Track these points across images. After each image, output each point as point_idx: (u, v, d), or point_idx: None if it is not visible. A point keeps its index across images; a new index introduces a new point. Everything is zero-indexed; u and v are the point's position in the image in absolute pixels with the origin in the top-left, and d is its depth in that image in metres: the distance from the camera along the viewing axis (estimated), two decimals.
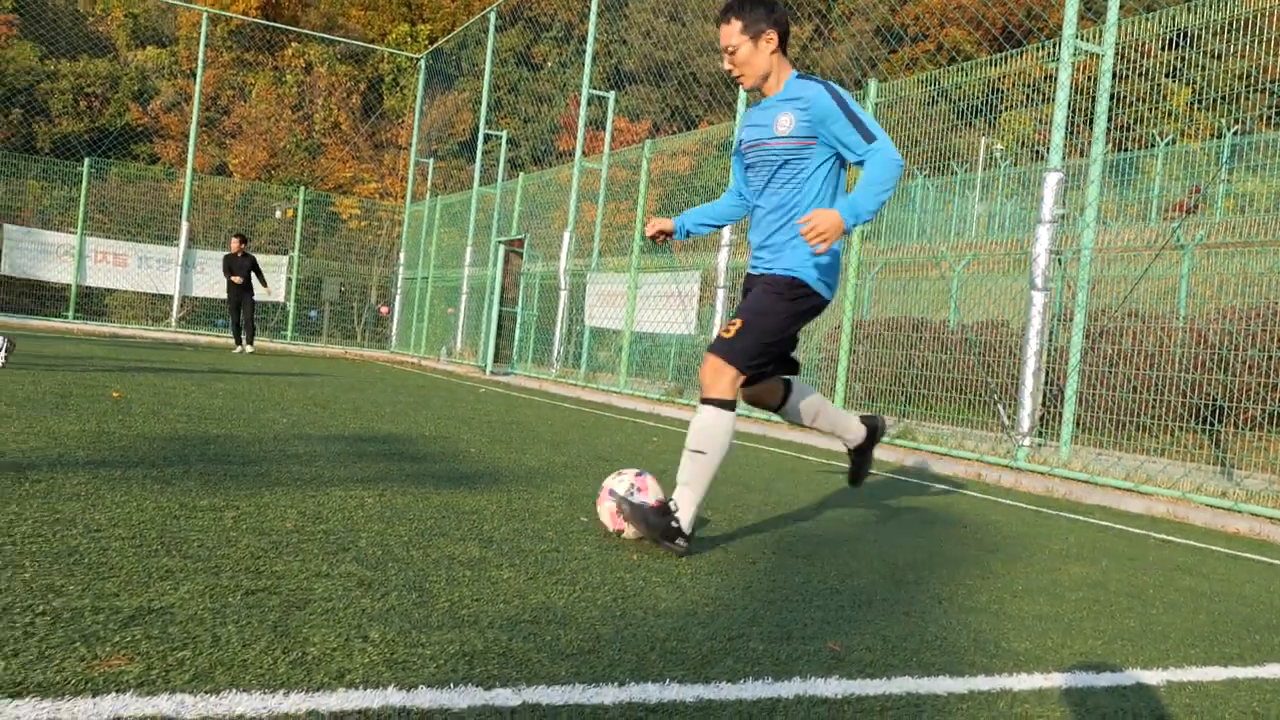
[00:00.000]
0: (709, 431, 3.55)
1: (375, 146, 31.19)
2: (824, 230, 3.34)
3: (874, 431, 4.30)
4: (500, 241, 18.67)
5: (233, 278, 17.22)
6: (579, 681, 2.14)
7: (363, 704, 1.89)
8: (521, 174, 19.66)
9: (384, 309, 25.42)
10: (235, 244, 17.34)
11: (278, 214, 26.26)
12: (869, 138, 3.51)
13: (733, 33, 3.66)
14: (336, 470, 4.69)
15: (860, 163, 3.54)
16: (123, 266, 21.79)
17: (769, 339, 3.64)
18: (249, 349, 17.19)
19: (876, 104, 10.30)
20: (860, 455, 4.35)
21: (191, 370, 10.86)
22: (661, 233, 4.08)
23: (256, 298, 17.74)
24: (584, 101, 17.14)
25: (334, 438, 5.98)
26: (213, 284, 22.40)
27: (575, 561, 3.30)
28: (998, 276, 11.34)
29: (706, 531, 4.14)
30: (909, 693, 2.34)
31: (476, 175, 21.46)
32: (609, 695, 2.08)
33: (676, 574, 3.29)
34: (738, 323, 3.64)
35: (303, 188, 24.69)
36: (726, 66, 3.73)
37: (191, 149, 22.88)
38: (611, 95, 17.43)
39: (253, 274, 17.32)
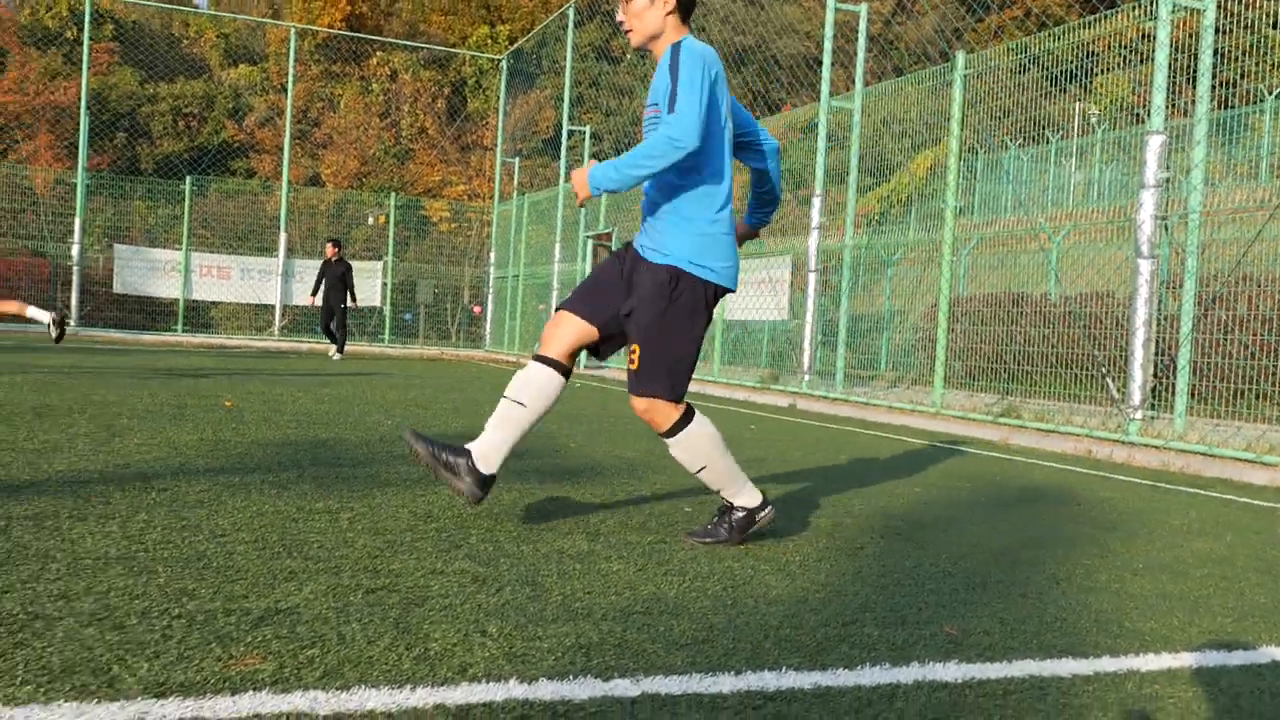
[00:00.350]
0: (689, 456, 3.51)
1: (461, 149, 31.67)
2: (577, 180, 3.30)
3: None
4: (588, 236, 18.79)
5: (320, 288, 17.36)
6: (695, 671, 2.15)
7: (486, 697, 1.93)
8: None
9: (477, 309, 25.81)
10: (330, 249, 17.57)
11: (370, 220, 26.84)
12: (671, 108, 3.20)
13: None
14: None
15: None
16: (226, 279, 22.55)
17: (671, 358, 3.41)
18: (336, 356, 17.45)
19: (965, 75, 10.07)
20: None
21: (296, 376, 11.19)
22: (745, 239, 3.98)
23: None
24: None
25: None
26: (308, 292, 23.06)
27: (682, 552, 3.31)
28: (1100, 246, 10.99)
29: (811, 518, 4.12)
30: (1031, 675, 2.29)
31: (562, 171, 21.63)
32: (726, 684, 2.09)
33: (785, 561, 3.27)
34: (635, 353, 3.40)
35: (393, 193, 25.20)
36: (619, 17, 3.50)
37: (286, 162, 23.54)
38: None
39: (345, 281, 17.48)
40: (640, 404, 3.44)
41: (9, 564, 2.59)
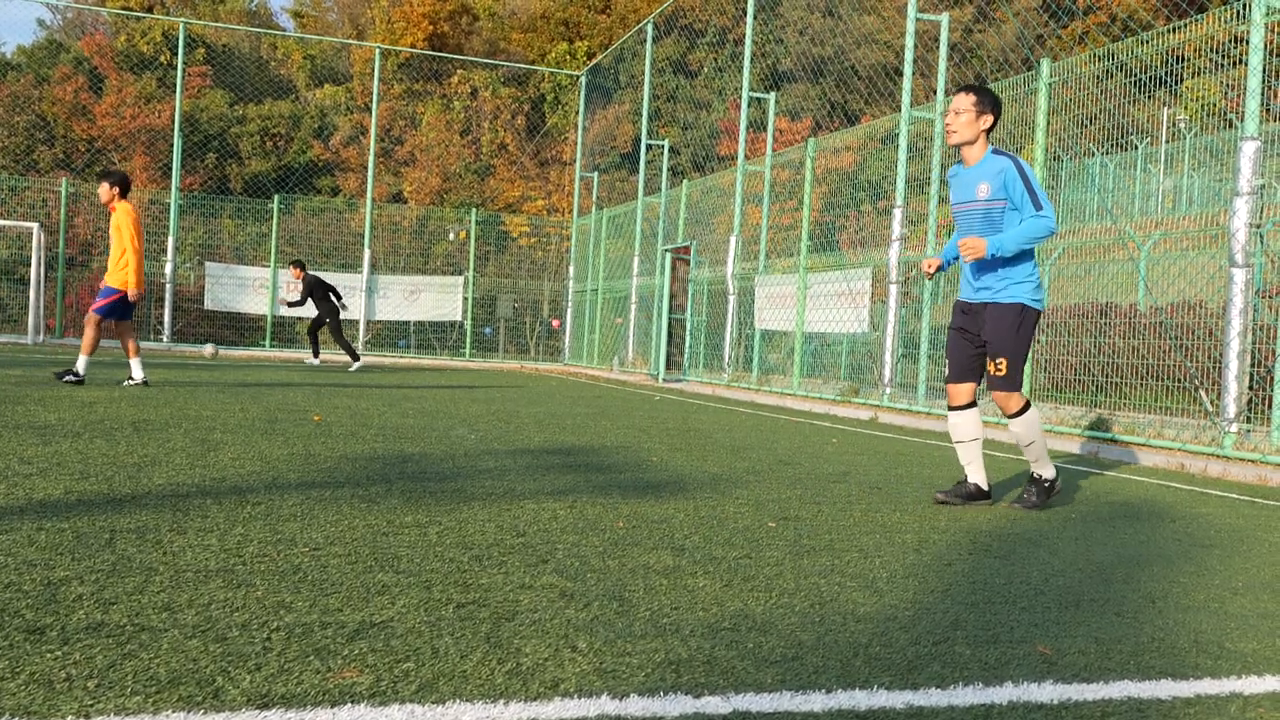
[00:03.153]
0: (1027, 429, 4.97)
1: (540, 164, 32.02)
2: (974, 248, 4.74)
3: (977, 494, 5.10)
4: (666, 250, 18.84)
5: (292, 301, 17.38)
6: (786, 689, 2.14)
7: (578, 713, 1.94)
8: (685, 181, 19.78)
9: (556, 322, 26.04)
10: (295, 272, 17.62)
11: (451, 236, 27.27)
12: (1038, 206, 4.70)
13: (968, 102, 4.81)
14: (527, 483, 4.84)
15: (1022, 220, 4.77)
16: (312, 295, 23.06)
17: (1021, 359, 4.91)
18: (354, 365, 17.45)
19: (1050, 84, 9.87)
20: (965, 496, 5.10)
21: (380, 389, 11.40)
22: (935, 269, 5.16)
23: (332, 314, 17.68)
24: (744, 104, 17.11)
25: (521, 451, 6.16)
26: (394, 308, 23.49)
27: (768, 568, 3.30)
28: (1190, 254, 10.67)
29: (897, 534, 4.07)
30: (1130, 697, 2.23)
31: (640, 186, 21.73)
32: (817, 702, 2.07)
33: (872, 578, 3.24)
34: (1003, 364, 4.87)
35: (474, 209, 25.58)
36: (946, 121, 4.90)
37: (370, 180, 24.06)
38: (771, 96, 17.34)
39: (323, 293, 17.21)
40: (1003, 397, 4.94)
41: (115, 576, 2.69)
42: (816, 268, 14.20)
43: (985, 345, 4.94)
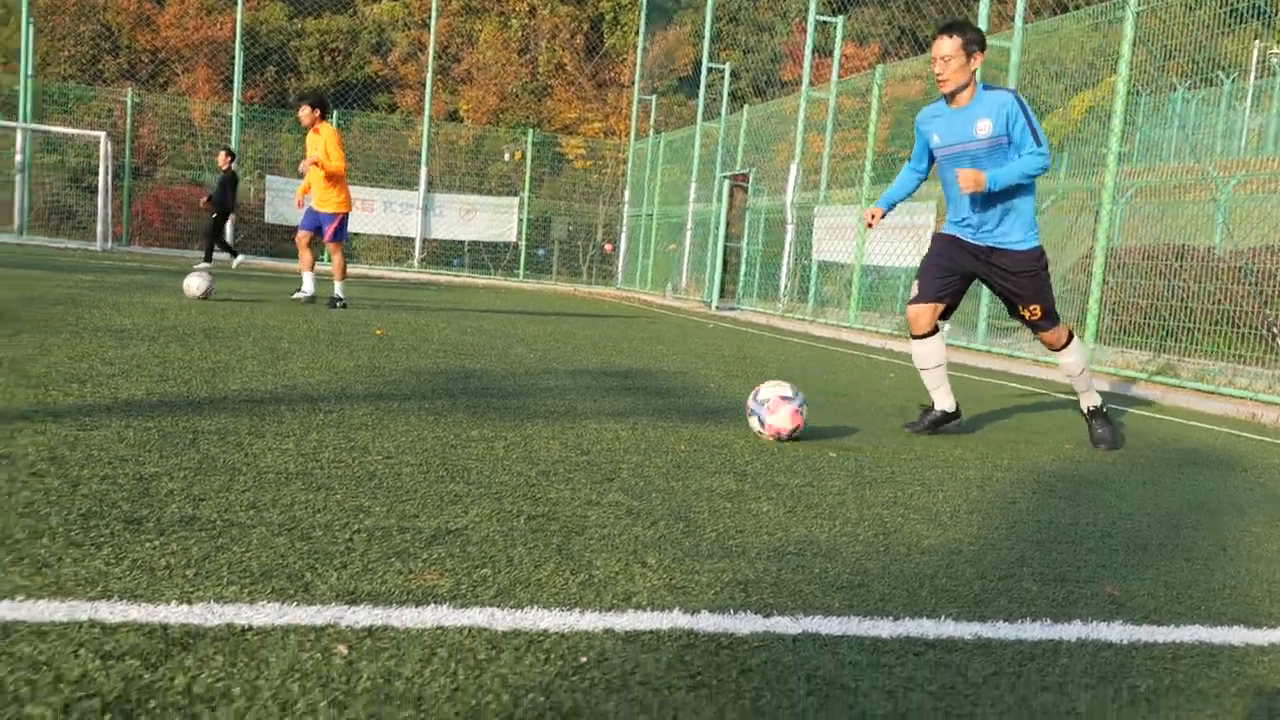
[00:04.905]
0: (1075, 360, 5.05)
1: (598, 86, 31.65)
2: (972, 181, 4.55)
3: (945, 418, 5.07)
4: (724, 176, 18.64)
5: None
6: (853, 614, 2.17)
7: (652, 625, 1.99)
8: (745, 107, 19.46)
9: (609, 246, 25.98)
10: (224, 158, 16.87)
11: (506, 156, 27.16)
12: (1038, 142, 4.61)
13: (954, 46, 4.60)
14: (588, 404, 4.88)
15: (1019, 154, 4.66)
16: (370, 211, 23.22)
17: (1052, 297, 4.93)
18: (234, 262, 17.19)
19: (1138, 12, 9.50)
20: (934, 422, 5.07)
21: (438, 309, 11.51)
22: (879, 219, 5.04)
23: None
24: (810, 28, 16.72)
25: (580, 372, 6.21)
26: (449, 227, 23.57)
27: (831, 496, 3.32)
28: (1275, 197, 10.32)
29: (960, 470, 4.06)
30: (1201, 641, 2.23)
31: (700, 110, 21.43)
32: (885, 628, 2.10)
33: (935, 511, 3.25)
34: (1037, 309, 4.84)
35: (530, 130, 25.43)
36: (936, 70, 4.66)
37: (428, 97, 23.98)
38: (839, 20, 16.91)
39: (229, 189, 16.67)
40: (1046, 333, 4.96)
41: (201, 474, 2.78)
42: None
43: (1008, 296, 4.92)
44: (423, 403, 4.40)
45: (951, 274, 4.90)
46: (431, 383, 5.09)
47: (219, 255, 17.58)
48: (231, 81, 23.80)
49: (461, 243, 24.96)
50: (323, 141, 9.50)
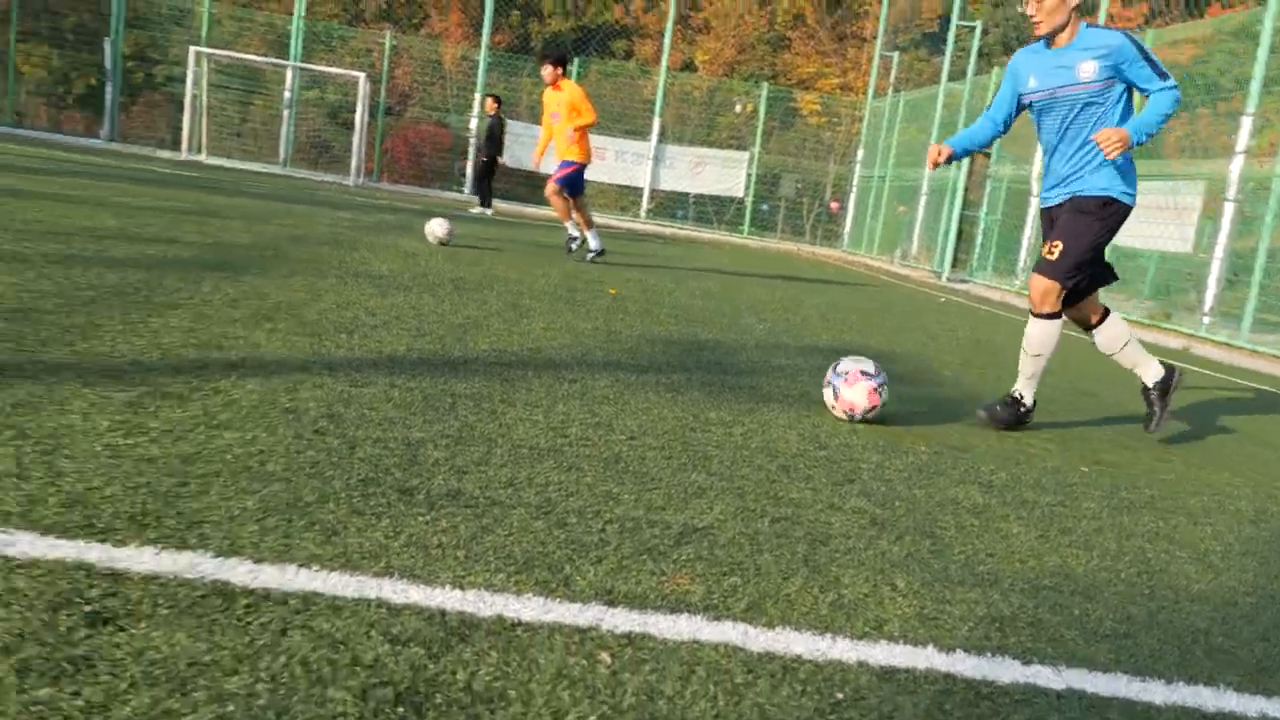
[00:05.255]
0: (1042, 339, 4.45)
1: (838, 39, 30.86)
2: (1118, 140, 4.06)
3: (1170, 375, 4.66)
4: None
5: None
6: (1121, 670, 2.05)
7: (907, 662, 1.94)
8: (995, 68, 18.49)
9: (835, 205, 25.46)
10: (491, 104, 17.16)
11: (737, 109, 26.99)
12: (1163, 76, 4.15)
13: None
14: (818, 388, 4.81)
15: (1147, 94, 4.21)
16: (601, 160, 23.60)
17: (1086, 256, 4.35)
18: (488, 212, 17.44)
19: None
20: (1157, 397, 4.66)
21: (666, 266, 11.63)
22: (945, 158, 4.59)
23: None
24: None
25: (810, 349, 6.13)
26: (677, 179, 23.69)
27: (1085, 521, 3.14)
28: None
29: (1228, 499, 3.76)
30: None
31: (945, 69, 20.54)
32: (1158, 693, 1.97)
33: (1204, 550, 3.02)
34: (1058, 245, 4.33)
35: (766, 83, 25.12)
36: (1030, 11, 4.25)
37: (666, 47, 24.06)
38: None
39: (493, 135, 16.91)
40: (1039, 282, 4.41)
41: (462, 444, 2.92)
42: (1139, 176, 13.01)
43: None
44: (660, 376, 4.45)
45: None
46: (666, 353, 5.15)
47: (471, 197, 18.24)
48: (481, 26, 24.66)
49: (686, 195, 25.09)
50: (567, 98, 9.69)
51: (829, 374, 4.17)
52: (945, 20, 22.81)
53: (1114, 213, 4.33)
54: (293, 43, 23.92)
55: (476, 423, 3.17)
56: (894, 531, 2.73)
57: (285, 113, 23.98)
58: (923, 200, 20.06)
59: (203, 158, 22.35)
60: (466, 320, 5.15)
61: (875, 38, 25.67)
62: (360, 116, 22.16)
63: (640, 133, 24.27)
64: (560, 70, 9.76)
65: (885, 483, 3.23)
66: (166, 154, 22.31)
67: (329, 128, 25.34)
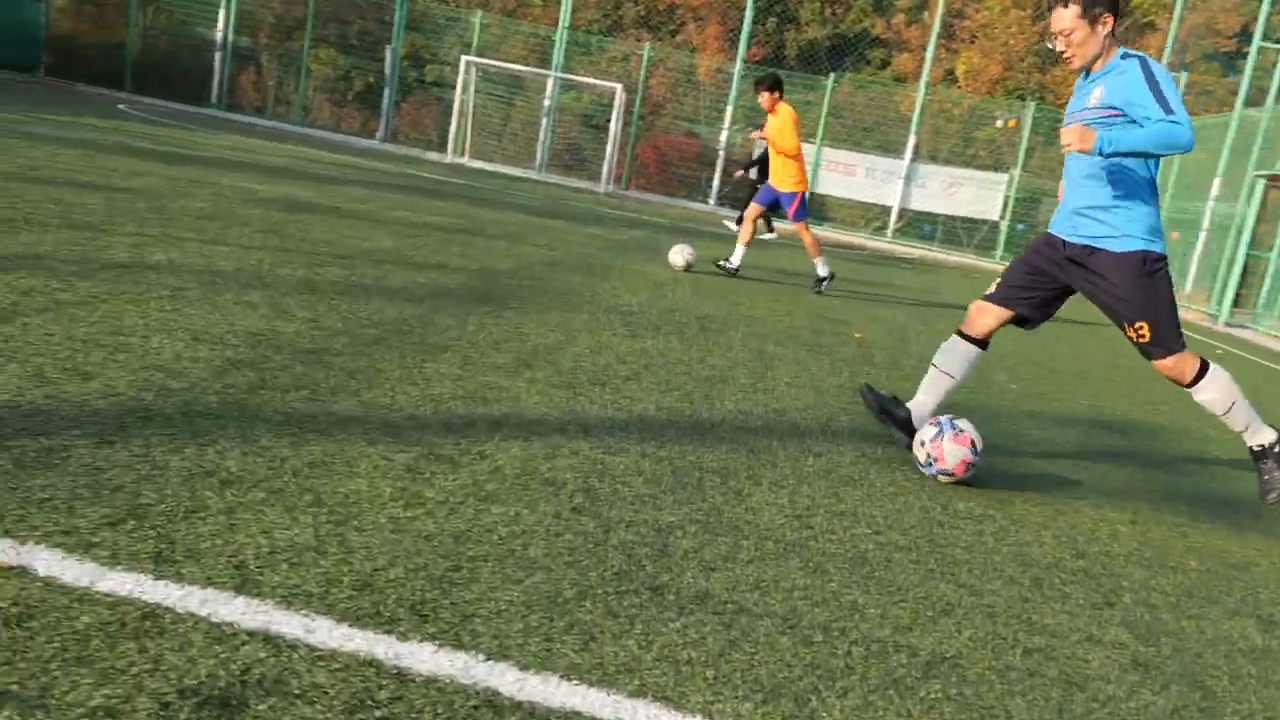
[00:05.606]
0: (1219, 396, 4.09)
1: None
2: (1079, 136, 3.72)
3: (904, 424, 4.30)
4: (1260, 175, 16.34)
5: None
6: None
7: None
8: None
9: None
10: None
11: (998, 123, 25.85)
12: (1169, 110, 3.68)
13: (1069, 16, 3.87)
14: (1079, 472, 4.57)
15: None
16: (851, 176, 23.31)
17: (1173, 316, 4.04)
18: (770, 235, 17.04)
19: None
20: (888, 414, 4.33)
21: (913, 302, 11.32)
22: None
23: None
24: None
25: (1065, 420, 5.83)
26: (930, 199, 23.01)
27: None
28: None
29: None
30: None
31: (1242, 92, 18.90)
32: None
33: None
34: (1144, 329, 4.00)
35: (1033, 102, 23.97)
36: (1060, 47, 3.95)
37: (928, 63, 23.38)
38: None
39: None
40: (1164, 363, 4.08)
41: (712, 533, 2.96)
42: None
43: (1110, 310, 4.09)
44: (901, 451, 4.35)
45: (1036, 280, 4.21)
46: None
47: (728, 212, 18.24)
48: (737, 37, 24.83)
49: (937, 214, 24.33)
50: (779, 123, 9.60)
51: (943, 417, 4.01)
52: (1245, 37, 20.97)
53: (1153, 264, 3.98)
54: (555, 52, 24.94)
55: (724, 505, 3.21)
56: (1159, 678, 2.56)
57: (544, 120, 25.06)
58: (1202, 235, 18.56)
59: (466, 160, 23.70)
60: (713, 373, 5.22)
61: (1161, 54, 23.94)
62: (614, 126, 22.84)
63: (892, 149, 23.72)
64: (776, 95, 9.68)
65: (1150, 609, 3.03)
66: (434, 156, 23.81)
67: (583, 134, 26.25)
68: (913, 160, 22.98)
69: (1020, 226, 24.07)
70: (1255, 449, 4.16)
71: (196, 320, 4.20)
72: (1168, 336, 4.01)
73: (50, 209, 6.19)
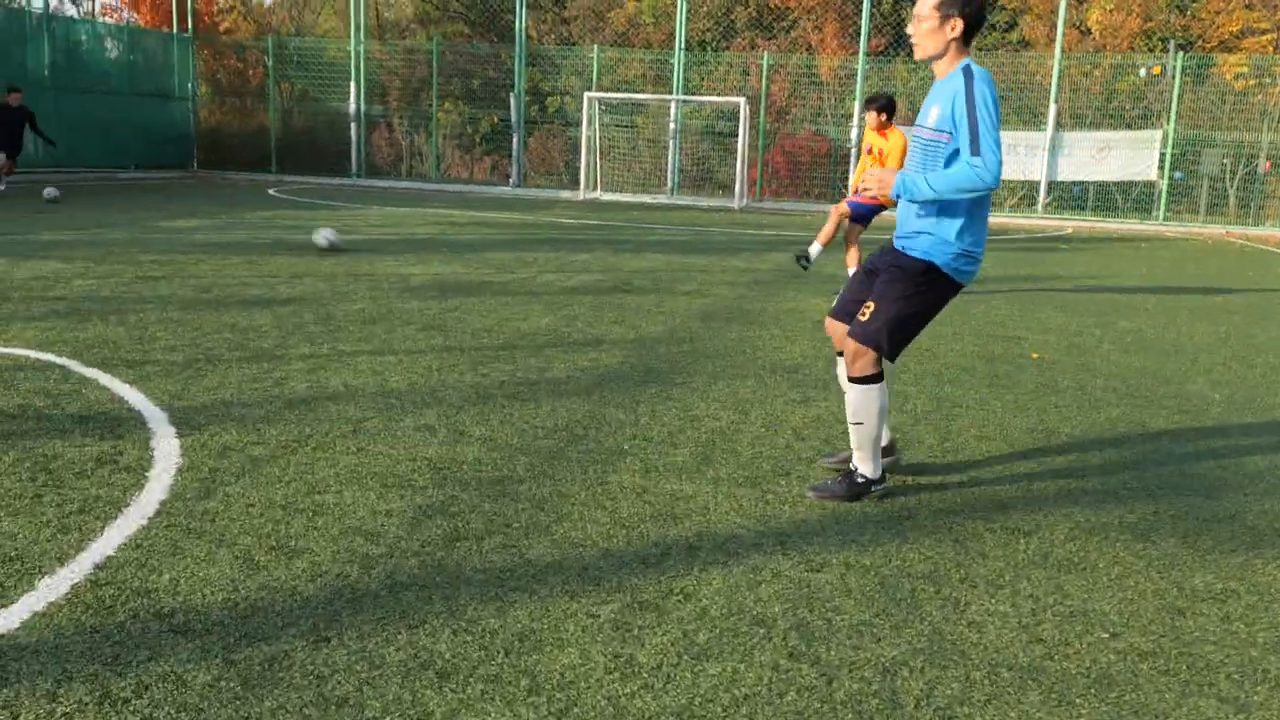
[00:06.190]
0: (862, 405, 3.98)
1: None
2: (879, 180, 3.89)
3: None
4: None
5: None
6: None
7: None
8: None
9: (1268, 164, 22.27)
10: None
11: (1143, 73, 24.39)
12: (974, 150, 3.65)
13: (928, 5, 3.83)
14: None
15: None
16: None
17: (905, 325, 3.94)
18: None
19: None
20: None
21: (1081, 288, 10.73)
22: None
23: None
24: None
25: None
26: (1078, 167, 21.97)
27: None
28: None
29: None
30: None
31: None
32: None
33: None
34: (871, 306, 3.93)
35: (1180, 52, 22.55)
36: (909, 30, 3.93)
37: (1060, 27, 22.30)
38: None
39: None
40: (851, 346, 3.98)
41: (938, 664, 2.79)
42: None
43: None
44: (1120, 510, 4.06)
45: (867, 289, 4.10)
46: (1118, 465, 4.69)
47: None
48: (856, 30, 24.28)
49: (1088, 183, 23.15)
50: (888, 149, 9.26)
51: None
52: None
53: (934, 281, 3.94)
54: (675, 74, 24.93)
55: (944, 625, 3.04)
56: None
57: (670, 143, 25.07)
58: None
59: (599, 195, 23.93)
60: (895, 434, 5.01)
61: None
62: (742, 140, 22.65)
63: (1032, 121, 22.70)
64: (884, 117, 9.33)
65: None
66: (566, 195, 24.13)
67: (711, 149, 26.11)
68: (1056, 129, 21.93)
69: (1178, 175, 22.64)
70: (850, 468, 4.11)
71: (381, 460, 4.28)
72: (880, 332, 3.91)
73: (227, 338, 6.48)
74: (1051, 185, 22.46)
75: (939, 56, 3.87)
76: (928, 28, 3.84)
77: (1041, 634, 3.01)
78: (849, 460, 4.19)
